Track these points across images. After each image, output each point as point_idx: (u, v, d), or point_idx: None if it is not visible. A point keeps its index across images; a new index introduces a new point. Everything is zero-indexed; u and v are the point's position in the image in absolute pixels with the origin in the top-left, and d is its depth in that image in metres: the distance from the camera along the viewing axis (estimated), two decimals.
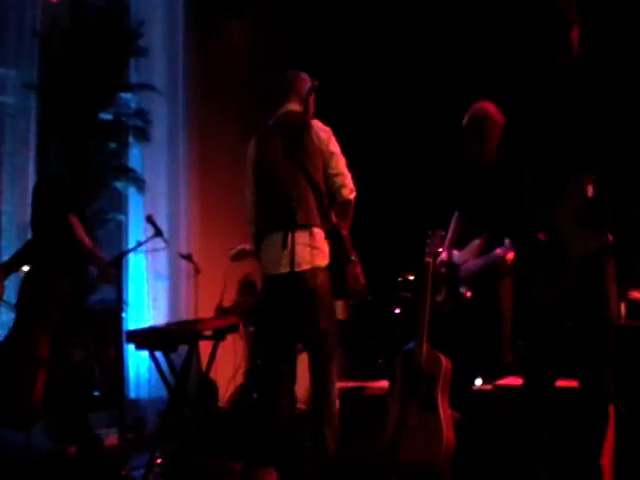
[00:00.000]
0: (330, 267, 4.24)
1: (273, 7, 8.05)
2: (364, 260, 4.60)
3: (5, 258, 5.36)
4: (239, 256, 5.21)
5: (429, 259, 4.59)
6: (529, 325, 3.55)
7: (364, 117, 7.22)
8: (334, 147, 4.30)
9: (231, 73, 7.79)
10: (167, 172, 7.19)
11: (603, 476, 3.49)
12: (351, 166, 4.36)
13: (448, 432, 4.28)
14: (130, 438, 5.68)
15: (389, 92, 7.26)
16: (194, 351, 5.28)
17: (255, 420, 5.04)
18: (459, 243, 4.91)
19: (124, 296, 5.64)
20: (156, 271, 6.98)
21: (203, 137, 7.50)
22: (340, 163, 4.28)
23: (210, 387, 6.16)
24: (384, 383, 5.04)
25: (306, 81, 4.37)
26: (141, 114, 6.67)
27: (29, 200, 5.05)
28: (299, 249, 3.98)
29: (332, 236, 4.24)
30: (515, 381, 4.08)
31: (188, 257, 6.24)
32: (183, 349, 5.24)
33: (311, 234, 4.16)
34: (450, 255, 4.86)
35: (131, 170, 6.71)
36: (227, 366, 6.24)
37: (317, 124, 4.31)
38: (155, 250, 5.79)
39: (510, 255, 4.59)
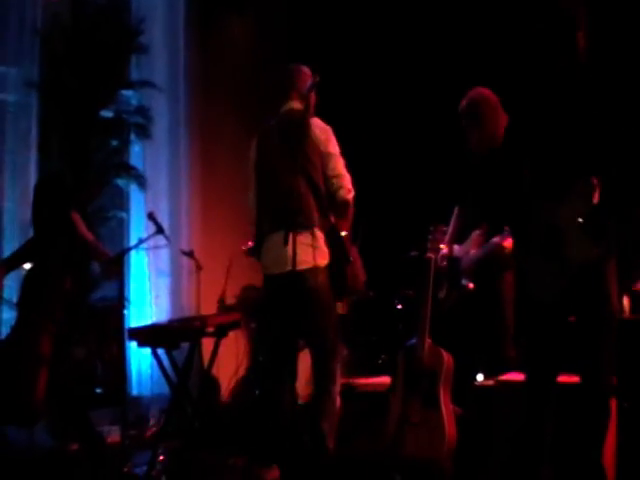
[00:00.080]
0: (329, 267, 4.24)
1: (274, 3, 8.04)
2: (366, 256, 4.61)
3: (6, 255, 5.35)
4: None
5: (431, 255, 4.59)
6: (529, 319, 3.54)
7: (366, 112, 7.21)
8: (332, 148, 4.28)
9: (232, 70, 7.78)
10: (168, 169, 7.19)
11: (605, 471, 3.49)
12: (352, 161, 4.35)
13: (450, 428, 4.27)
14: (132, 435, 5.69)
15: (391, 87, 7.25)
16: (196, 348, 5.29)
17: (257, 417, 5.05)
18: (460, 238, 4.92)
19: (126, 293, 5.62)
20: (158, 268, 6.98)
21: (204, 134, 7.49)
22: (338, 164, 4.27)
23: (212, 384, 6.17)
24: (386, 379, 5.04)
25: (308, 75, 4.36)
26: (142, 111, 6.67)
27: (30, 198, 5.04)
28: (300, 249, 3.99)
29: (331, 236, 4.24)
30: (517, 376, 4.07)
31: (190, 254, 6.24)
32: (185, 346, 5.25)
33: (312, 234, 4.16)
34: (451, 249, 4.86)
35: (132, 167, 6.71)
36: (229, 363, 6.24)
37: (317, 123, 4.29)
38: (157, 247, 5.79)
39: (507, 242, 4.60)
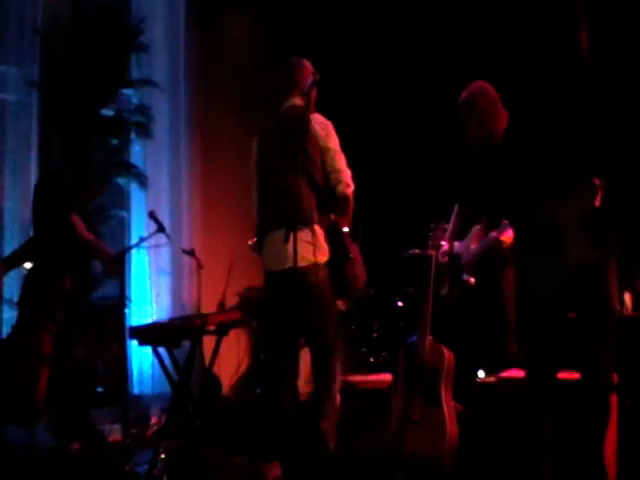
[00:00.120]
0: (330, 265, 4.23)
1: (274, 2, 8.05)
2: (366, 253, 4.60)
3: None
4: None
5: (432, 252, 4.59)
6: (529, 315, 3.54)
7: (366, 110, 7.21)
8: (332, 143, 4.26)
9: (232, 69, 7.78)
10: (169, 168, 7.19)
11: (605, 468, 3.48)
12: (353, 159, 4.34)
13: (451, 425, 4.27)
14: (133, 434, 5.69)
15: (391, 86, 7.26)
16: (197, 346, 5.28)
17: (258, 415, 5.04)
18: (460, 235, 4.93)
19: (127, 292, 5.63)
20: (159, 267, 6.98)
21: (205, 133, 7.49)
22: (338, 160, 4.25)
23: (213, 382, 6.16)
24: (387, 376, 5.04)
25: (309, 70, 4.35)
26: (143, 110, 6.66)
27: (31, 197, 5.04)
28: (300, 246, 3.99)
29: (331, 233, 4.23)
30: (518, 373, 4.07)
31: (191, 252, 6.24)
32: (186, 345, 5.25)
33: (312, 232, 4.16)
34: (452, 246, 4.87)
35: (133, 166, 6.70)
36: (230, 361, 6.24)
37: (317, 119, 4.27)
38: (158, 246, 5.79)
39: (504, 236, 4.61)
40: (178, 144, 7.27)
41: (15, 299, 5.01)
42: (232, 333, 5.51)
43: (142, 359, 6.74)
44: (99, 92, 6.43)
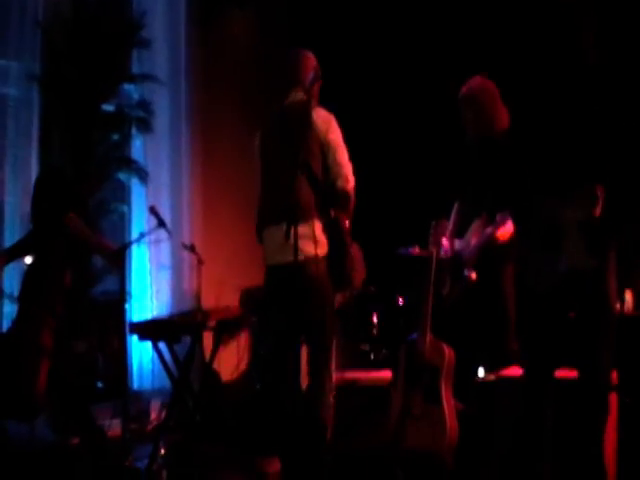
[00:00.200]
0: (329, 261, 4.23)
1: None
2: (367, 251, 4.60)
3: None
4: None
5: (433, 249, 4.59)
6: (528, 312, 3.54)
7: (367, 105, 7.21)
8: (334, 137, 4.24)
9: (233, 64, 7.78)
10: (170, 163, 7.19)
11: (605, 467, 3.49)
12: (355, 155, 4.33)
13: (451, 423, 4.28)
14: (133, 429, 5.69)
15: (392, 83, 7.25)
16: (197, 342, 5.29)
17: (258, 410, 5.05)
18: (460, 233, 4.93)
19: (127, 287, 5.63)
20: (159, 262, 6.98)
21: (205, 128, 7.49)
22: (339, 154, 4.24)
23: (213, 378, 6.17)
24: (387, 374, 5.04)
25: (312, 62, 4.35)
26: (144, 105, 6.65)
27: (32, 191, 5.04)
28: (300, 241, 3.98)
29: (330, 229, 4.23)
30: (518, 371, 4.07)
31: (191, 248, 6.24)
32: (186, 340, 5.25)
33: (311, 226, 4.15)
34: (452, 245, 4.88)
35: (134, 161, 6.69)
36: (230, 356, 6.25)
37: (319, 113, 4.25)
38: (158, 241, 5.80)
39: (500, 232, 4.61)
40: (179, 139, 7.27)
41: (15, 293, 5.01)
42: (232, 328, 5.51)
43: (142, 354, 6.75)
44: (100, 87, 6.42)
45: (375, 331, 6.48)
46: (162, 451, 5.05)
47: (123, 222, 6.94)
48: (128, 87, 6.78)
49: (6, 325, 5.43)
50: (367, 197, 4.49)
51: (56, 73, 6.35)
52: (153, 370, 6.74)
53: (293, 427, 4.24)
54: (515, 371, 4.20)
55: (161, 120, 6.96)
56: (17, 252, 5.07)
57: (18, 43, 6.28)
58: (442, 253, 4.76)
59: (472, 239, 4.89)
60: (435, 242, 4.63)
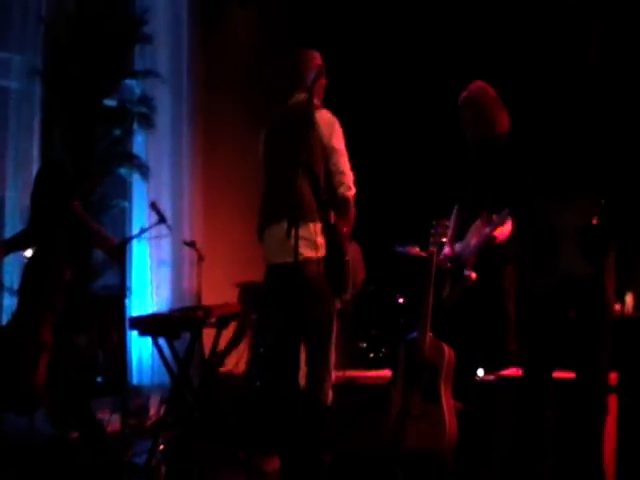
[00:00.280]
0: (326, 261, 4.23)
1: None
2: (367, 250, 4.61)
3: None
4: None
5: (433, 249, 4.60)
6: (527, 312, 3.54)
7: (368, 105, 7.21)
8: (337, 143, 4.22)
9: (235, 62, 7.79)
10: (171, 159, 7.20)
11: (604, 468, 3.50)
12: (356, 156, 4.33)
13: (451, 422, 4.29)
14: (133, 424, 5.69)
15: (393, 84, 7.26)
16: (197, 338, 5.29)
17: (258, 407, 5.06)
18: (460, 236, 4.95)
19: (127, 282, 5.63)
20: (159, 258, 6.99)
21: (207, 124, 7.50)
22: (341, 160, 4.22)
23: (213, 374, 6.17)
24: (387, 373, 5.05)
25: (316, 60, 4.35)
26: (145, 101, 6.66)
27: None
28: (300, 241, 3.99)
29: (329, 232, 4.23)
30: (518, 371, 4.08)
31: (191, 244, 6.25)
32: (186, 336, 5.26)
33: (311, 227, 4.16)
34: (453, 249, 4.90)
35: (135, 157, 6.70)
36: (230, 353, 6.24)
37: (323, 116, 4.23)
38: (158, 237, 5.79)
39: (497, 232, 4.63)
40: (180, 135, 7.28)
41: (15, 286, 5.02)
42: (232, 325, 5.51)
43: (142, 349, 6.76)
44: (102, 82, 6.43)
45: (374, 330, 6.49)
46: (161, 447, 5.05)
47: (124, 217, 6.96)
48: (130, 83, 6.79)
49: (5, 318, 5.44)
50: (367, 197, 4.50)
51: (58, 67, 6.35)
52: (153, 366, 6.75)
53: (292, 425, 4.24)
54: (514, 371, 4.21)
55: (163, 116, 6.97)
56: (16, 244, 5.07)
57: (20, 36, 6.30)
58: (442, 259, 4.78)
59: (472, 240, 4.90)
60: (436, 242, 4.63)
